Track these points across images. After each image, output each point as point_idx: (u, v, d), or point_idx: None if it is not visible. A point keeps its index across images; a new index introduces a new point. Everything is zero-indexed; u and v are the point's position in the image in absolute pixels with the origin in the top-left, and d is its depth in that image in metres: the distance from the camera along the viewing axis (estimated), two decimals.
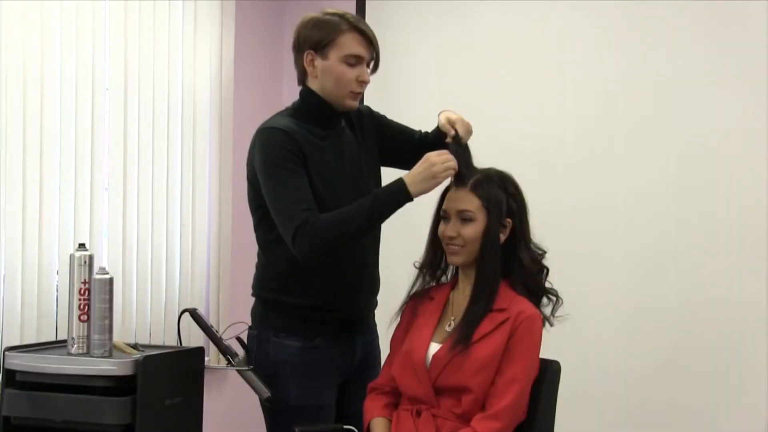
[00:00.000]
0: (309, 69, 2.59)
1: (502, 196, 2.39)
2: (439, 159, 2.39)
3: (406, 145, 2.72)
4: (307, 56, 2.58)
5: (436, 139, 2.63)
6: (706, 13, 3.42)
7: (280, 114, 2.68)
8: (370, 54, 2.55)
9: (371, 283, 2.72)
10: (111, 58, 3.56)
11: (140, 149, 3.68)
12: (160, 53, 3.76)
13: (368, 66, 2.57)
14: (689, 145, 3.43)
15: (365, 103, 4.08)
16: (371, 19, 4.11)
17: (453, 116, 2.56)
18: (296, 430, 2.48)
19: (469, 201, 2.39)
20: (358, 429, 2.49)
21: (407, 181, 2.40)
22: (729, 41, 3.39)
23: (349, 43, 2.52)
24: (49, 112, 3.32)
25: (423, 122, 3.94)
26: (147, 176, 3.71)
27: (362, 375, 2.67)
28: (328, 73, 2.55)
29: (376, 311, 2.79)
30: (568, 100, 3.67)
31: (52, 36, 3.33)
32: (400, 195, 2.41)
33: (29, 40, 3.25)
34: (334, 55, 2.53)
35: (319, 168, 2.54)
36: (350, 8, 4.18)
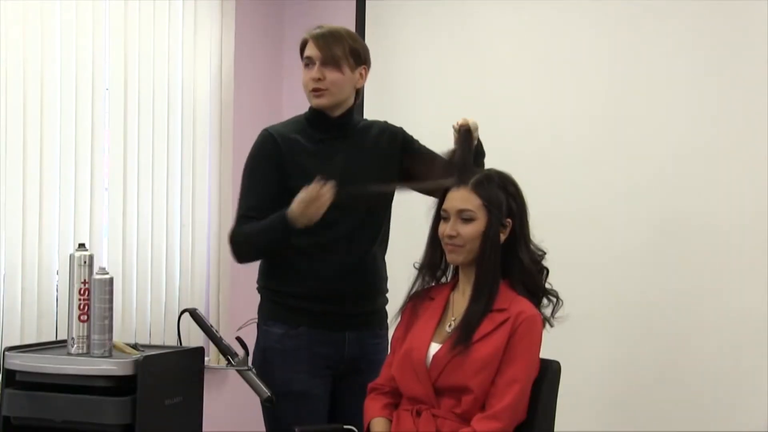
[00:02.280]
0: None
1: (502, 196, 2.40)
2: (311, 203, 2.54)
3: (424, 169, 2.75)
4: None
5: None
6: (706, 13, 3.42)
7: (291, 118, 2.87)
8: (321, 54, 2.70)
9: (367, 281, 2.75)
10: (111, 58, 3.56)
11: (140, 149, 3.68)
12: (160, 53, 3.76)
13: (327, 64, 2.70)
14: (689, 145, 3.43)
15: (365, 104, 4.09)
16: (371, 20, 4.12)
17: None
18: (296, 430, 2.48)
19: (469, 200, 2.39)
20: (358, 429, 2.49)
21: (290, 213, 2.57)
22: (729, 41, 3.38)
23: (305, 50, 2.75)
24: (49, 112, 3.32)
25: (422, 121, 3.95)
26: (147, 176, 3.71)
27: (361, 376, 2.68)
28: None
29: None
30: (569, 101, 3.67)
31: (52, 36, 3.33)
32: (285, 224, 2.58)
33: (29, 40, 3.25)
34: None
35: (306, 169, 2.66)
36: (350, 8, 4.19)
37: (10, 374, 2.57)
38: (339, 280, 2.69)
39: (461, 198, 2.40)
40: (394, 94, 4.01)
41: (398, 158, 2.80)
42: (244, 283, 4.23)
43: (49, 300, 3.33)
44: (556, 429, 2.49)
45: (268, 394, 2.59)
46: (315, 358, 2.68)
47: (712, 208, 3.38)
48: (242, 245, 2.71)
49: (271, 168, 2.70)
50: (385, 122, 2.87)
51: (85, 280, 2.58)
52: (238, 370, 2.64)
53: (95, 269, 2.61)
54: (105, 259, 3.49)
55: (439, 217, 2.46)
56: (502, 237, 2.40)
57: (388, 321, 2.74)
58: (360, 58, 2.74)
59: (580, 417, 3.41)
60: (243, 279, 4.22)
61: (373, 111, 3.97)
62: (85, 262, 2.59)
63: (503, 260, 2.40)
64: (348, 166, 2.71)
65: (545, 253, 2.48)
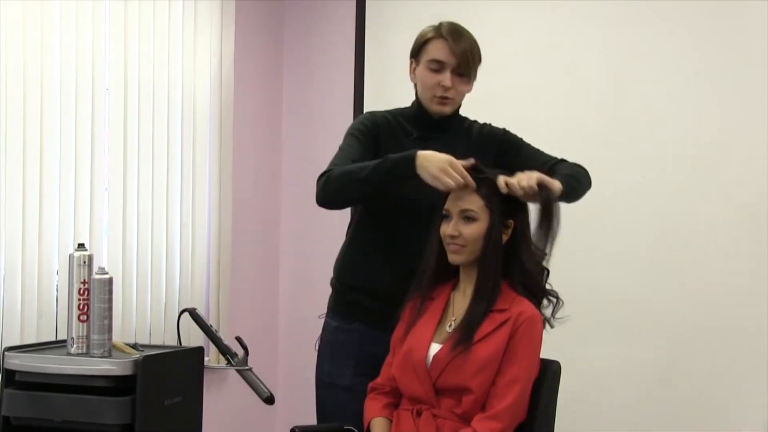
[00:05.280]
0: (411, 77, 2.72)
1: (504, 196, 2.39)
2: (453, 170, 2.35)
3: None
4: (411, 65, 2.72)
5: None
6: (705, 14, 3.42)
7: (396, 108, 2.79)
8: (457, 62, 2.59)
9: None
10: (111, 58, 3.56)
11: (140, 149, 3.68)
12: (160, 53, 3.76)
13: (459, 74, 2.61)
14: (690, 144, 3.43)
15: (365, 105, 4.10)
16: (371, 19, 4.12)
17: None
18: (296, 430, 2.48)
19: (471, 201, 2.39)
20: (349, 430, 2.49)
21: (419, 157, 2.38)
22: (728, 42, 3.39)
23: (432, 49, 2.62)
24: (49, 112, 3.32)
25: None
26: (147, 176, 3.71)
27: None
28: (419, 78, 2.68)
29: None
30: (569, 101, 3.67)
31: (52, 36, 3.33)
32: (405, 167, 2.40)
33: (29, 40, 3.25)
34: (422, 61, 2.65)
35: None
36: (350, 8, 4.19)
37: (9, 374, 2.57)
38: (396, 281, 2.59)
39: (464, 198, 2.40)
40: (394, 94, 4.00)
41: (499, 161, 2.67)
42: (244, 283, 4.24)
43: (49, 300, 3.33)
44: (556, 429, 2.49)
45: (268, 393, 2.59)
46: (362, 355, 2.65)
47: (712, 208, 3.38)
48: (342, 177, 2.48)
49: (367, 145, 2.60)
50: (488, 124, 2.78)
51: (84, 280, 2.58)
52: (237, 370, 2.64)
53: (95, 269, 2.61)
54: (105, 259, 3.48)
55: (441, 217, 2.46)
56: (504, 237, 2.40)
57: None
58: (480, 59, 2.66)
59: (581, 417, 3.41)
60: (243, 279, 4.22)
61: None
62: (84, 262, 2.59)
63: (504, 260, 2.40)
64: None
65: (546, 254, 2.48)
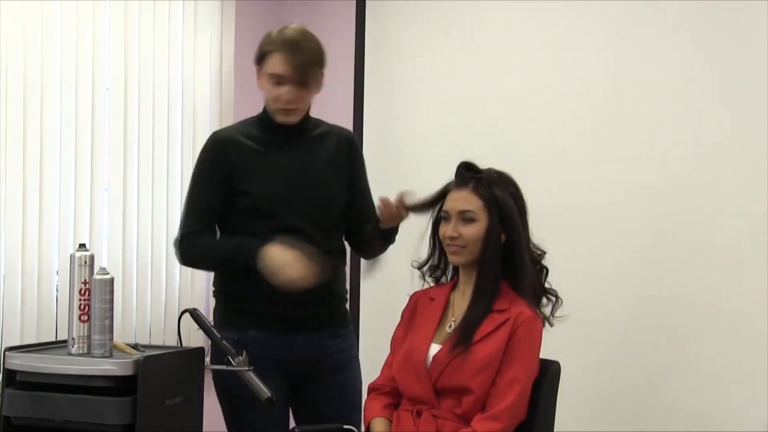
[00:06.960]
0: (258, 84, 2.72)
1: (502, 196, 2.40)
2: (294, 276, 2.50)
3: (352, 212, 2.78)
4: (257, 72, 2.72)
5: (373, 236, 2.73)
6: (707, 13, 3.42)
7: (244, 119, 2.81)
8: (295, 75, 2.60)
9: (319, 287, 2.62)
10: (111, 58, 3.56)
11: (140, 149, 3.68)
12: (161, 53, 3.77)
13: (299, 85, 2.62)
14: (690, 145, 3.43)
15: (366, 104, 4.09)
16: (371, 19, 4.12)
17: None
18: (296, 430, 2.49)
19: (471, 201, 2.39)
20: (349, 430, 2.50)
21: (263, 257, 2.52)
22: (729, 41, 3.38)
23: (271, 63, 2.64)
24: (49, 112, 3.33)
25: (423, 121, 3.94)
26: (147, 176, 3.71)
27: (327, 374, 2.70)
28: (262, 88, 2.70)
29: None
30: (569, 101, 3.67)
31: (53, 36, 3.33)
32: (250, 261, 2.55)
33: (29, 40, 3.25)
34: (264, 73, 2.67)
35: (256, 174, 2.65)
36: (350, 8, 4.19)
37: (10, 374, 2.57)
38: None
39: (462, 199, 2.40)
40: (394, 94, 4.01)
41: (347, 165, 2.79)
42: None
43: (49, 300, 3.33)
44: (555, 429, 2.49)
45: (268, 395, 2.58)
46: (264, 363, 2.62)
47: (712, 209, 3.37)
48: (196, 259, 2.79)
49: (218, 180, 2.66)
50: (340, 127, 2.85)
51: (85, 280, 2.58)
52: (238, 371, 2.64)
53: (96, 269, 2.61)
54: (105, 260, 3.49)
55: (439, 217, 2.46)
56: (503, 237, 2.40)
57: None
58: (322, 64, 2.68)
59: (580, 417, 3.41)
60: None
61: (373, 111, 3.98)
62: (85, 263, 2.59)
63: (503, 260, 2.40)
64: (300, 171, 2.69)
65: (545, 253, 2.48)
